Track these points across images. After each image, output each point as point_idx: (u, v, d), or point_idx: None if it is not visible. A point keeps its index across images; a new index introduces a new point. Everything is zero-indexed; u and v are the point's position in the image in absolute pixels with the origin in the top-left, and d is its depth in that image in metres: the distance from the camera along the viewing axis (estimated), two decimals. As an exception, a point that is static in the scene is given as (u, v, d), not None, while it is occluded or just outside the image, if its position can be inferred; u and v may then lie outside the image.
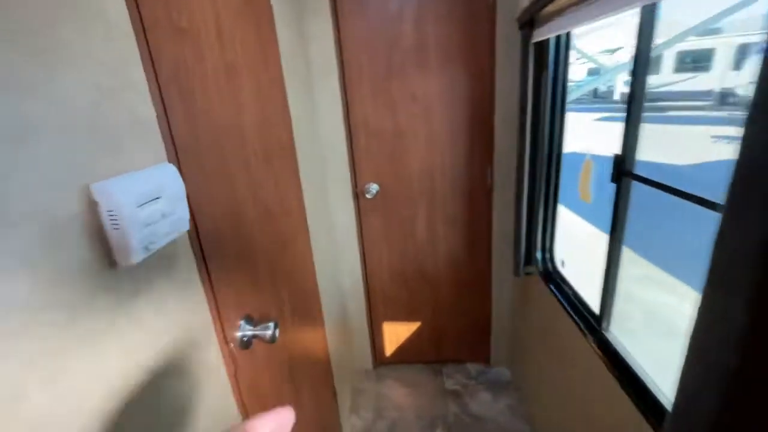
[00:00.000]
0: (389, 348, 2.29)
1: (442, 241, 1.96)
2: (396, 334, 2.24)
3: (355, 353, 2.28)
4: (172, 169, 0.57)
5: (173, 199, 0.56)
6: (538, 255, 1.59)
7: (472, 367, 2.28)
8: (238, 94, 0.89)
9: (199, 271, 0.67)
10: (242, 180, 0.88)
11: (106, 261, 0.47)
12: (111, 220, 0.46)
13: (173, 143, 0.62)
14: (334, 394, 1.71)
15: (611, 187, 1.04)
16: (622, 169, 0.97)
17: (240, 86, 0.90)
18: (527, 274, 1.66)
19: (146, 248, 0.50)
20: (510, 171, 1.77)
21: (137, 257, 0.48)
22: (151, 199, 0.52)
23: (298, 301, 1.26)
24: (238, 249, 0.84)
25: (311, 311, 1.43)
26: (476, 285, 2.05)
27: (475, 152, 1.80)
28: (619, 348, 1.02)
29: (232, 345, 0.76)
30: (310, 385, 1.34)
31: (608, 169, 1.14)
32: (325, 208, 1.83)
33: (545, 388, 1.63)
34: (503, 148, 1.76)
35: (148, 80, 0.56)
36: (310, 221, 1.46)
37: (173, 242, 0.59)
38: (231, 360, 0.76)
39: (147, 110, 0.56)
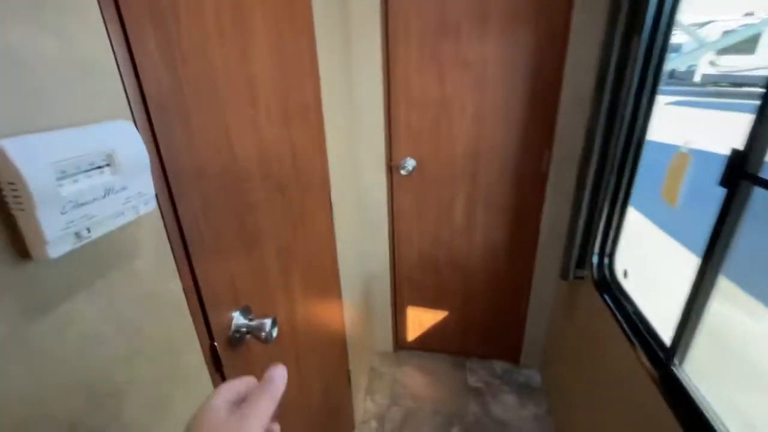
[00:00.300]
0: (412, 333, 2.17)
1: (482, 228, 1.76)
2: (420, 319, 2.11)
3: (375, 334, 2.19)
4: (128, 127, 0.43)
5: (129, 169, 0.42)
6: (594, 259, 1.36)
7: (499, 365, 2.12)
8: (249, 37, 0.73)
9: (176, 259, 0.54)
10: (248, 146, 0.73)
11: (15, 252, 0.34)
12: (12, 196, 0.32)
13: (141, 92, 0.47)
14: (348, 378, 1.62)
15: (711, 192, 0.79)
16: (741, 169, 0.72)
17: (252, 27, 0.74)
18: (577, 278, 1.43)
19: (76, 235, 0.37)
20: (571, 157, 1.51)
21: (57, 249, 0.35)
22: (89, 169, 0.38)
23: (313, 283, 1.14)
24: (236, 230, 0.70)
25: (328, 293, 1.32)
26: (514, 280, 1.85)
27: (531, 132, 1.54)
28: (696, 396, 0.81)
29: (216, 344, 0.64)
30: (321, 371, 1.25)
31: (705, 167, 0.89)
32: (354, 182, 1.67)
33: (582, 408, 1.45)
34: (567, 130, 1.49)
35: None
36: (334, 196, 1.31)
37: (132, 224, 0.45)
38: (215, 362, 0.64)
39: (94, 41, 0.41)
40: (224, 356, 0.66)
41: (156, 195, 0.50)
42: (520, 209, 1.68)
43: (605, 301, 1.26)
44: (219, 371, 0.66)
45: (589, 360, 1.40)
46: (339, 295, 1.45)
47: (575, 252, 1.36)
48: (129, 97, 0.45)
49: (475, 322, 2.04)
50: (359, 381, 1.87)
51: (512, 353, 2.08)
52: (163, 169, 0.51)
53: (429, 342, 2.16)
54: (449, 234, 1.80)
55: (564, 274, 1.43)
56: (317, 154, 1.15)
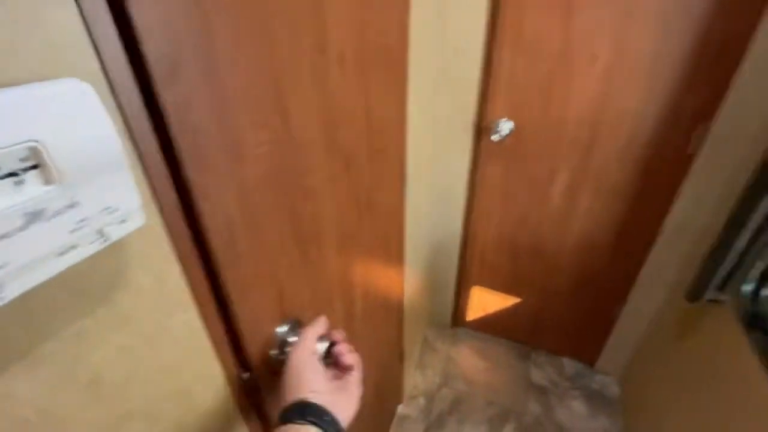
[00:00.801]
0: (473, 312, 1.98)
1: (583, 215, 1.43)
2: (486, 300, 1.90)
3: (433, 305, 2.03)
4: (76, 91, 0.23)
5: (79, 170, 0.24)
6: (749, 286, 1.00)
7: (570, 364, 1.87)
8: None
9: (191, 283, 0.38)
10: (309, 109, 0.52)
11: None
12: None
13: (129, 31, 0.28)
14: (401, 357, 1.51)
15: None
16: None
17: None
18: (712, 301, 1.09)
19: (-31, 303, 0.20)
20: (740, 138, 1.09)
21: None
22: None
23: (376, 268, 0.97)
24: (287, 226, 0.52)
25: (390, 273, 1.15)
26: (611, 281, 1.53)
27: (685, 97, 1.12)
28: None
29: (246, 376, 0.49)
30: (373, 353, 1.12)
31: None
32: (432, 145, 1.41)
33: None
34: (745, 100, 1.05)
35: None
36: (409, 162, 1.08)
37: (105, 253, 0.28)
38: (243, 395, 0.50)
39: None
40: (264, 386, 0.52)
41: (157, 199, 0.32)
42: (642, 198, 1.31)
43: (758, 342, 0.93)
44: (255, 405, 0.52)
45: (708, 397, 1.11)
46: (402, 273, 1.28)
47: (723, 269, 1.01)
48: (95, 40, 0.26)
49: (551, 316, 1.78)
50: (411, 352, 1.77)
51: (588, 353, 1.82)
52: (172, 157, 0.33)
53: (491, 325, 1.97)
54: (539, 217, 1.49)
55: (694, 294, 1.09)
56: (396, 111, 0.91)
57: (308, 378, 0.42)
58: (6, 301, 0.22)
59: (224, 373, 0.45)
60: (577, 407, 1.68)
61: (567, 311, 1.72)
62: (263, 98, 0.43)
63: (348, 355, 0.47)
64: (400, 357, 1.51)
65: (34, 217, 0.22)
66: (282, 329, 0.54)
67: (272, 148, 0.46)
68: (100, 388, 0.31)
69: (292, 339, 0.54)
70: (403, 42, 0.86)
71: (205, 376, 0.43)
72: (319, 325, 0.49)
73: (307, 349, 0.45)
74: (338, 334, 0.50)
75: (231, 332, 0.45)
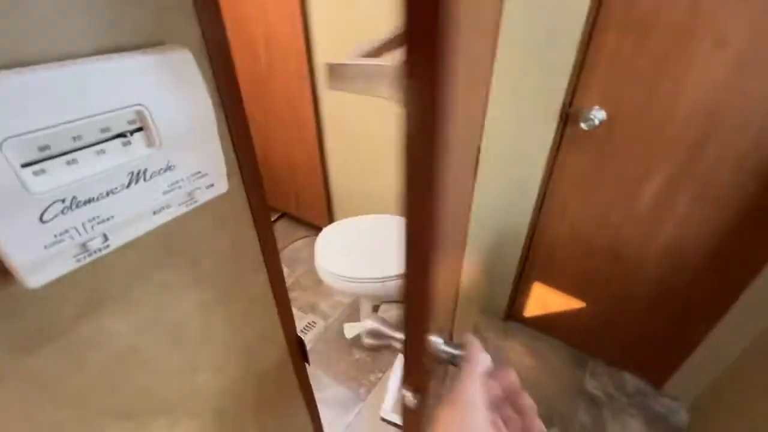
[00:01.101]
0: (530, 309, 1.90)
1: (677, 222, 1.26)
2: (546, 299, 1.80)
3: (488, 295, 1.98)
4: (180, 57, 0.24)
5: (177, 136, 0.25)
6: None
7: (632, 381, 1.73)
8: None
9: (265, 249, 0.40)
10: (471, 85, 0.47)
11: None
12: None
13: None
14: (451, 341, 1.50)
15: None
16: None
17: None
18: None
19: (83, 248, 0.23)
20: None
21: (42, 274, 0.21)
22: (100, 141, 0.22)
23: (451, 260, 0.95)
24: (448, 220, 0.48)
25: (454, 257, 1.12)
26: (701, 300, 1.35)
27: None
28: None
29: (414, 398, 0.44)
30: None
31: None
32: (509, 128, 1.32)
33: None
34: None
35: None
36: (484, 144, 1.02)
37: (195, 213, 0.30)
38: (299, 359, 0.53)
39: None
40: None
41: (240, 168, 0.33)
42: (757, 211, 1.12)
43: None
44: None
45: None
46: (462, 258, 1.25)
47: None
48: (198, 7, 0.26)
49: (619, 326, 1.64)
50: (459, 337, 1.75)
51: (657, 373, 1.65)
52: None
53: (548, 325, 1.87)
54: (622, 218, 1.35)
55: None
56: (480, 88, 0.85)
57: (475, 424, 0.33)
58: (111, 249, 0.24)
59: (285, 338, 0.48)
60: (633, 426, 1.56)
61: (640, 324, 1.57)
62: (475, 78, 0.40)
63: (523, 395, 0.37)
64: (450, 340, 1.50)
65: (136, 176, 0.24)
66: (437, 339, 0.48)
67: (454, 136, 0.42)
68: (180, 337, 0.35)
69: (448, 349, 0.48)
70: (496, 22, 0.79)
71: (268, 337, 0.45)
72: (484, 353, 0.39)
73: (479, 382, 0.36)
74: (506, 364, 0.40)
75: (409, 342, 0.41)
